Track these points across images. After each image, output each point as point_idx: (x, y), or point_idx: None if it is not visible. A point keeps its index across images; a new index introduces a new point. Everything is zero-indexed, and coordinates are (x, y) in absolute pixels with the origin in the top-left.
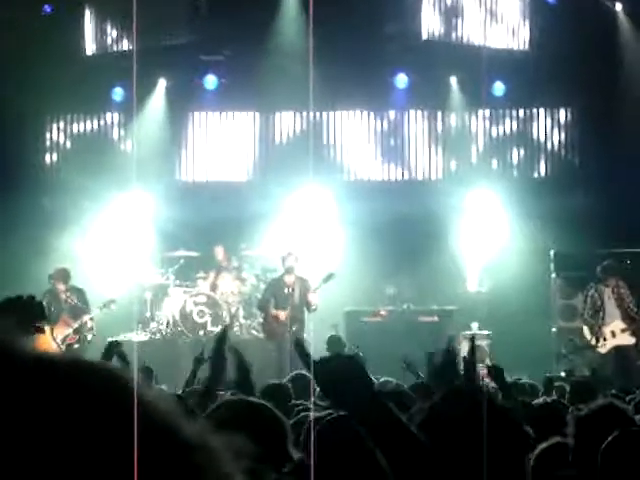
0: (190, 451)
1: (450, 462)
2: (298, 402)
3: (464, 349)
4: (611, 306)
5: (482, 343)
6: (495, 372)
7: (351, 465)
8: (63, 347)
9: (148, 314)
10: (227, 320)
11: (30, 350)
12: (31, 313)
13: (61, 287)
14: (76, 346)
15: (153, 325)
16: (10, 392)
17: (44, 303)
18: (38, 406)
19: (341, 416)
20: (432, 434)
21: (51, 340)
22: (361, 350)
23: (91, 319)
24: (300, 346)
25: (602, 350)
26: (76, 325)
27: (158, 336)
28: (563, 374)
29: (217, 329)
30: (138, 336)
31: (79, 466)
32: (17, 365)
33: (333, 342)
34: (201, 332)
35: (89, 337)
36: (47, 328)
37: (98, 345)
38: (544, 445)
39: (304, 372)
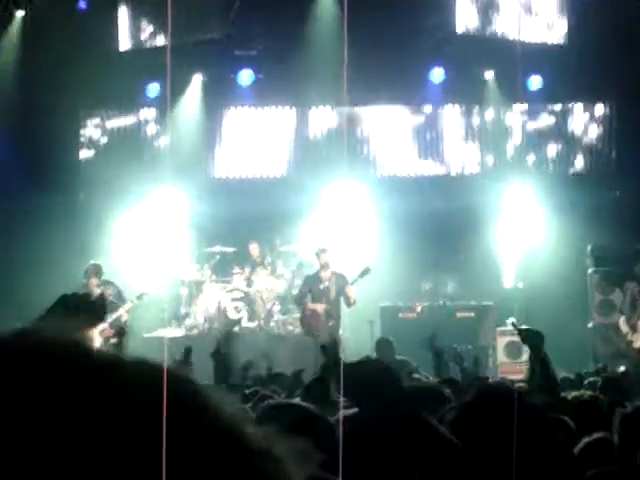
0: (255, 457)
1: (485, 464)
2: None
3: (500, 345)
4: None
5: (518, 339)
6: (541, 367)
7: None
8: (101, 340)
9: (184, 310)
10: (262, 316)
11: (98, 352)
12: (93, 313)
13: (94, 282)
14: (113, 340)
15: (189, 321)
16: (79, 396)
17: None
18: (108, 409)
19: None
20: (465, 434)
21: (94, 335)
22: (396, 346)
23: (126, 312)
24: (332, 347)
25: (637, 344)
26: (111, 319)
27: (194, 332)
28: (594, 370)
29: (253, 325)
30: (174, 332)
31: (148, 467)
32: (86, 368)
33: (382, 345)
34: (236, 328)
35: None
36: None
37: (134, 339)
38: (587, 440)
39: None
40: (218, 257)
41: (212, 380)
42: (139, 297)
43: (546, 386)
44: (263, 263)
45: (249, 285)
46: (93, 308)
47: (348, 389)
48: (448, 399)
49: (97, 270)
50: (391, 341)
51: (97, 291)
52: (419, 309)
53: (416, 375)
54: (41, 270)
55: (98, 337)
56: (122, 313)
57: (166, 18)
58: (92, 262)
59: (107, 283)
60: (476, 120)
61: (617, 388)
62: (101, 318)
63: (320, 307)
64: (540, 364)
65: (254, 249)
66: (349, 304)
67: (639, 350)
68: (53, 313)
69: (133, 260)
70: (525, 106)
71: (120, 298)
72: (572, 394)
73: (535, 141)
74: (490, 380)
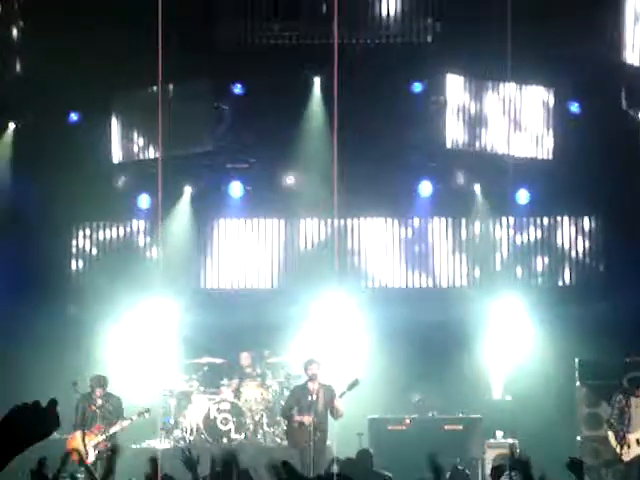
0: None
1: None
2: None
3: (489, 458)
4: (638, 414)
5: (506, 452)
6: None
7: None
8: (96, 453)
9: (172, 421)
10: (250, 428)
11: None
12: (44, 422)
13: (99, 393)
14: (106, 454)
15: (177, 432)
16: None
17: (79, 406)
18: None
19: None
20: None
21: (82, 444)
22: (385, 459)
23: (124, 428)
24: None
25: (625, 458)
26: (110, 432)
27: (182, 443)
28: None
29: (241, 437)
30: (162, 444)
31: None
32: None
33: (362, 456)
34: (224, 440)
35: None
36: (79, 432)
37: (121, 450)
38: None
39: None
40: (206, 368)
41: None
42: (141, 413)
43: None
44: (252, 374)
45: (237, 396)
46: (46, 417)
47: None
48: None
49: (102, 381)
50: (371, 453)
51: (99, 402)
52: (408, 421)
53: None
54: (31, 380)
55: (92, 450)
56: (121, 428)
57: (157, 131)
58: (97, 373)
59: (110, 396)
60: (464, 233)
61: None
62: (54, 428)
63: (307, 419)
64: None
65: (245, 359)
66: (336, 417)
67: (627, 463)
68: (4, 427)
69: (122, 370)
70: (513, 219)
71: (120, 412)
72: None
73: (523, 254)
74: None
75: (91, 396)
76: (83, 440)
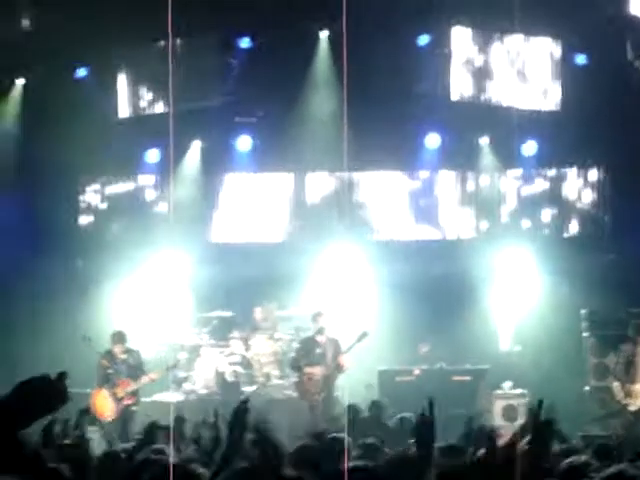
0: None
1: None
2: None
3: (497, 408)
4: None
5: (515, 402)
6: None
7: None
8: (122, 407)
9: (183, 374)
10: (260, 380)
11: None
12: (51, 397)
13: (119, 348)
14: (134, 408)
15: (187, 385)
16: None
17: (104, 364)
18: None
19: None
20: None
21: (109, 401)
22: (394, 410)
23: (153, 380)
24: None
25: (632, 408)
26: (136, 386)
27: (192, 396)
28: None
29: (250, 389)
30: (173, 396)
31: None
32: None
33: (375, 407)
34: (234, 392)
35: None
36: (105, 389)
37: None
38: None
39: (338, 435)
40: (216, 321)
41: None
42: (169, 368)
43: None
44: (261, 327)
45: (247, 349)
46: (52, 393)
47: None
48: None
49: (121, 337)
50: (382, 404)
51: (122, 357)
52: (416, 373)
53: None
54: (40, 335)
55: (118, 405)
56: (148, 381)
57: (165, 85)
58: (117, 329)
59: (131, 351)
60: (471, 185)
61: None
62: (64, 400)
63: (318, 371)
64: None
65: (258, 313)
66: (340, 371)
67: (634, 413)
68: (11, 401)
69: (133, 325)
70: (519, 171)
71: (142, 366)
72: (567, 460)
73: (530, 206)
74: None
75: (112, 352)
76: (111, 396)
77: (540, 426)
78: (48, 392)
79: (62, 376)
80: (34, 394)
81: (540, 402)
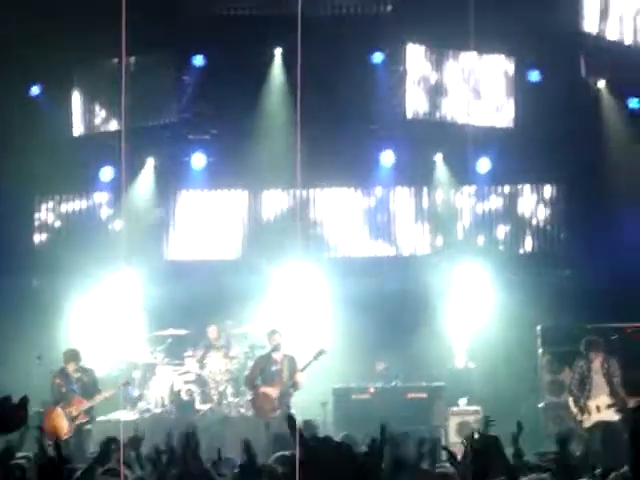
0: None
1: None
2: None
3: (452, 425)
4: (598, 380)
5: (469, 419)
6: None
7: None
8: (75, 426)
9: (137, 393)
10: (215, 398)
11: None
12: (11, 419)
13: (72, 367)
14: (88, 426)
15: (142, 404)
16: None
17: (54, 382)
18: None
19: None
20: None
21: (63, 419)
22: (349, 428)
23: (106, 399)
24: (292, 422)
25: (586, 424)
26: (90, 404)
27: (147, 415)
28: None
29: (205, 407)
30: (127, 415)
31: None
32: None
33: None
34: (189, 410)
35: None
36: (59, 408)
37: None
38: None
39: (288, 454)
40: (170, 340)
41: None
42: (122, 385)
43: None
44: (216, 345)
45: (202, 367)
46: (13, 415)
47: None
48: None
49: (74, 355)
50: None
51: (75, 376)
52: (372, 390)
53: None
54: None
55: (71, 424)
56: (102, 399)
57: (119, 103)
58: (70, 348)
59: (84, 370)
60: (426, 202)
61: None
62: (23, 423)
63: (273, 390)
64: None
65: (212, 332)
66: (296, 388)
67: (588, 430)
68: None
69: (87, 343)
70: (474, 188)
71: (96, 385)
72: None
73: (484, 222)
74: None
75: (65, 370)
76: (64, 414)
77: (486, 442)
78: (10, 413)
79: (24, 400)
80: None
81: (487, 419)
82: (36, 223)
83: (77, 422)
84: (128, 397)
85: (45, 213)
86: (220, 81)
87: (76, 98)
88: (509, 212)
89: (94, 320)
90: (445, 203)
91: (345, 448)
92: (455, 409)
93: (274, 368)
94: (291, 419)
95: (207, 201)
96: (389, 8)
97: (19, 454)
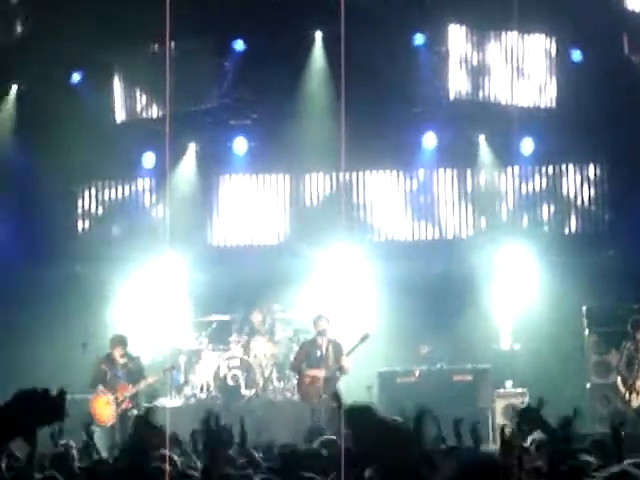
0: None
1: None
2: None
3: (498, 407)
4: None
5: (515, 401)
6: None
7: None
8: (120, 411)
9: (182, 379)
10: (260, 383)
11: None
12: (50, 412)
13: (118, 353)
14: (134, 411)
15: (187, 390)
16: None
17: (103, 368)
18: None
19: None
20: None
21: (110, 405)
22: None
23: (150, 383)
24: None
25: (634, 404)
26: (135, 390)
27: (192, 401)
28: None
29: (251, 392)
30: (172, 401)
31: None
32: None
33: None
34: (235, 395)
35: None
36: (105, 395)
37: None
38: None
39: (334, 438)
40: (215, 325)
41: None
42: (166, 371)
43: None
44: (261, 330)
45: (246, 352)
46: (51, 407)
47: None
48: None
49: (121, 341)
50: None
51: (121, 361)
52: (417, 373)
53: None
54: (40, 341)
55: (117, 409)
56: (146, 385)
57: (160, 89)
58: (117, 333)
59: (131, 357)
60: (469, 183)
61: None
62: (60, 416)
63: (319, 373)
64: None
65: (257, 316)
66: (342, 373)
67: (637, 410)
68: (10, 409)
69: (132, 330)
70: (518, 168)
71: (142, 371)
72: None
73: (528, 203)
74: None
75: (111, 356)
76: (111, 400)
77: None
78: (49, 406)
79: (62, 393)
80: (34, 406)
81: (540, 400)
82: (79, 210)
83: (123, 408)
84: (173, 382)
85: (88, 200)
86: (261, 66)
87: (117, 84)
88: (553, 193)
89: (138, 306)
90: (488, 184)
91: (392, 424)
92: (501, 391)
93: (319, 353)
94: (337, 398)
95: (249, 186)
96: None
97: (61, 441)
